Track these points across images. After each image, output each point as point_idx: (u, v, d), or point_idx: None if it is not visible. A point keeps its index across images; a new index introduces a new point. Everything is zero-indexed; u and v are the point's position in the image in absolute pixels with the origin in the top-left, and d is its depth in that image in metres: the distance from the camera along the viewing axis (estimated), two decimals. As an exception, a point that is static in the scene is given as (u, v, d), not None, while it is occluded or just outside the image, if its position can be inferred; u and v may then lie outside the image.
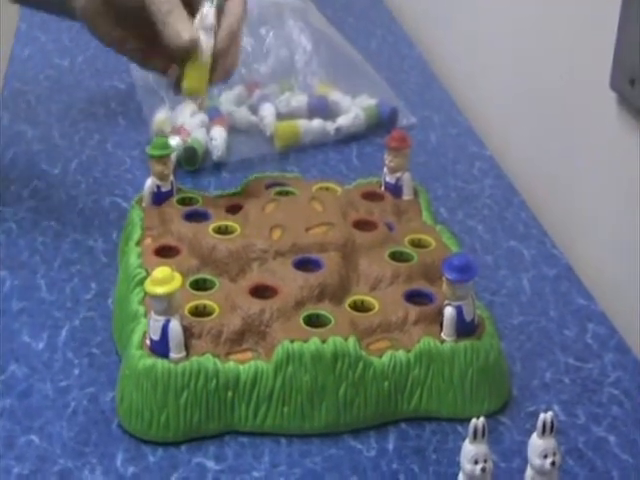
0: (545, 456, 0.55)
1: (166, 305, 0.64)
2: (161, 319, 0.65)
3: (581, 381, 0.72)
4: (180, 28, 0.76)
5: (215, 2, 0.78)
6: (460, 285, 0.66)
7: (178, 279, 0.64)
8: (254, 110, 1.04)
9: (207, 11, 0.78)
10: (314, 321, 0.68)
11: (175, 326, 0.65)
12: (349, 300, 0.71)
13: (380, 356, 0.67)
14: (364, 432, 0.67)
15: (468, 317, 0.67)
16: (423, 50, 1.27)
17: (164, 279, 0.64)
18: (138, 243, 0.76)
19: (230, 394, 0.66)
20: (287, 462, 0.65)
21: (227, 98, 1.05)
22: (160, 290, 0.64)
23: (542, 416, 0.55)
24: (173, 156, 0.88)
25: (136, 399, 0.65)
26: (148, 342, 0.66)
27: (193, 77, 0.78)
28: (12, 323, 0.76)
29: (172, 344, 0.65)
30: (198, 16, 0.78)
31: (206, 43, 0.78)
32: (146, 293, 0.66)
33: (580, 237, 0.91)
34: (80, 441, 0.66)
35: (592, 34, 0.87)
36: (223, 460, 0.65)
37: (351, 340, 0.66)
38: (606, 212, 0.87)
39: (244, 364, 0.66)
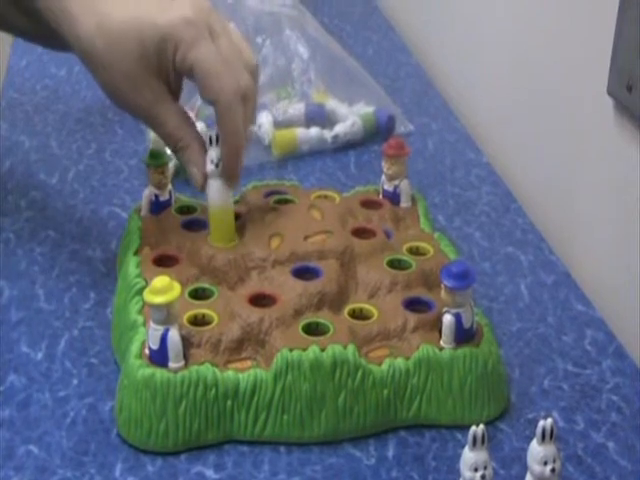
0: (545, 463, 0.55)
1: (165, 314, 0.64)
2: (160, 328, 0.65)
3: (580, 387, 0.72)
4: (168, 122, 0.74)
5: (215, 139, 0.73)
6: (458, 292, 0.66)
7: (177, 288, 0.64)
8: (251, 118, 1.04)
9: (214, 155, 0.74)
10: (313, 329, 0.68)
11: (174, 335, 0.65)
12: (348, 308, 0.71)
13: (379, 364, 0.67)
14: (364, 440, 0.67)
15: (467, 324, 0.67)
16: (420, 57, 1.27)
17: (163, 288, 0.64)
18: (137, 252, 0.76)
19: (229, 403, 0.66)
20: (287, 471, 0.65)
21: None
22: (159, 299, 0.64)
23: (542, 423, 0.55)
24: (171, 165, 0.88)
25: (135, 409, 0.65)
26: (147, 352, 0.66)
27: (220, 232, 0.76)
28: (11, 333, 0.76)
29: (171, 353, 0.65)
30: (208, 161, 0.74)
31: (223, 191, 0.75)
32: (145, 302, 0.66)
33: (578, 243, 0.91)
34: (79, 451, 0.66)
35: (589, 40, 0.87)
36: (223, 469, 0.65)
37: (350, 348, 0.66)
38: (604, 218, 0.87)
39: (243, 373, 0.66)
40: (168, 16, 0.71)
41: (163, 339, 0.65)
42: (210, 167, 0.74)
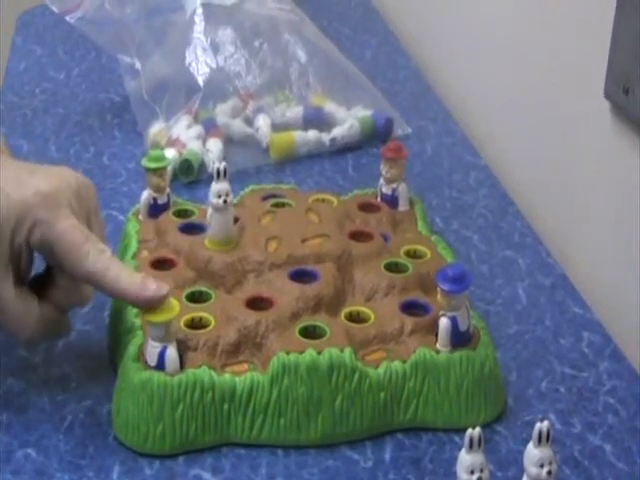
0: (541, 465, 0.55)
1: (163, 332, 0.64)
2: (158, 345, 0.65)
3: (577, 390, 0.72)
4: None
5: (223, 172, 0.73)
6: (454, 295, 0.66)
7: (176, 307, 0.64)
8: (249, 122, 1.05)
9: (221, 189, 0.73)
10: (310, 332, 0.68)
11: (172, 353, 0.64)
12: (345, 311, 0.71)
13: (376, 367, 0.67)
14: (360, 443, 0.67)
15: (463, 327, 0.67)
16: (418, 61, 1.27)
17: (162, 306, 0.64)
18: (134, 256, 0.76)
19: (226, 406, 0.66)
20: (284, 473, 0.65)
21: (222, 110, 1.05)
22: (157, 318, 0.64)
23: (538, 425, 0.55)
24: (169, 168, 0.88)
25: (132, 412, 0.65)
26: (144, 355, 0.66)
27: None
28: (8, 336, 0.76)
29: (169, 370, 0.65)
30: (215, 194, 0.73)
31: (228, 226, 0.75)
32: (144, 320, 0.67)
33: (575, 246, 0.91)
34: (77, 454, 0.66)
35: (586, 42, 0.87)
36: (220, 472, 0.65)
37: (347, 351, 0.66)
38: (601, 221, 0.87)
39: (240, 376, 0.66)
40: (23, 193, 0.65)
41: (161, 356, 0.65)
42: (217, 201, 0.73)
